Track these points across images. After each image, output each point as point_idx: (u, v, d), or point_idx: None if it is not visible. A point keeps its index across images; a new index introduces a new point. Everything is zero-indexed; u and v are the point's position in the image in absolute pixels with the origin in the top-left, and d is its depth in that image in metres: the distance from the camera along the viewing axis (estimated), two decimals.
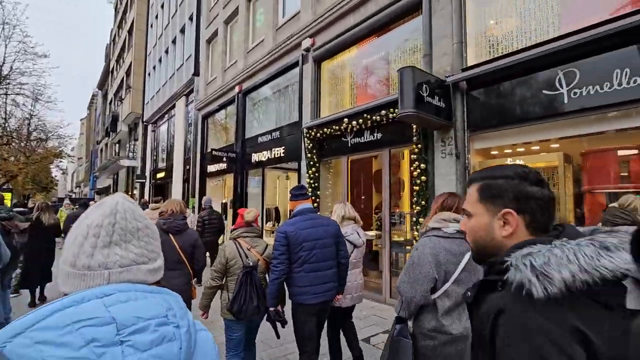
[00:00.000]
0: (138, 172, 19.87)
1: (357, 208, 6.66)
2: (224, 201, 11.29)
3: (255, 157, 9.04)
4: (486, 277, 0.85)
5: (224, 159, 9.43)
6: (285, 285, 2.71)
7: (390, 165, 5.63)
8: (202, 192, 11.70)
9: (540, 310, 0.67)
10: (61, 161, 26.01)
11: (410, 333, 1.83)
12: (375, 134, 5.71)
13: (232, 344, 2.75)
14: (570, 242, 0.72)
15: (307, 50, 7.24)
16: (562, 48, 3.57)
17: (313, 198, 6.52)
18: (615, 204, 2.43)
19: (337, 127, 6.17)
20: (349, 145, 6.18)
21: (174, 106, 15.24)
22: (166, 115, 16.63)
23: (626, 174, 3.63)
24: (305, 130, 6.88)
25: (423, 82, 4.21)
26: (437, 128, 4.66)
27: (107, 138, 28.17)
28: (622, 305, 0.70)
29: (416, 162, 4.79)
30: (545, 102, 3.78)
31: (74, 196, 43.38)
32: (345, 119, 5.93)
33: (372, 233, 6.11)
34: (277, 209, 9.89)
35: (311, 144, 6.78)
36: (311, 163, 6.74)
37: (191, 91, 13.46)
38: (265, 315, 2.73)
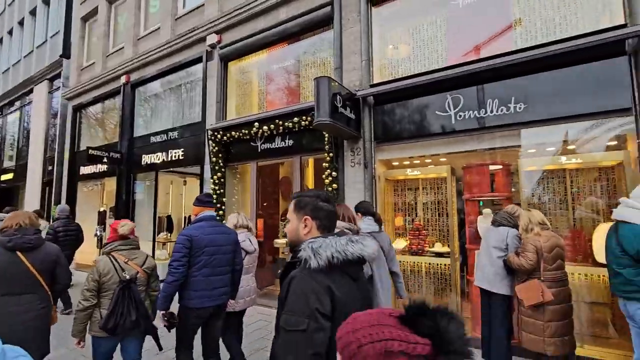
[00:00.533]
0: None
1: (263, 215, 6.54)
2: (101, 209, 9.57)
3: (146, 159, 7.95)
4: (291, 260, 1.28)
5: (105, 160, 8.00)
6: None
7: (301, 172, 5.67)
8: (72, 199, 9.69)
9: (312, 275, 1.13)
10: None
11: None
12: (286, 141, 5.67)
13: (101, 357, 2.56)
14: (336, 237, 1.20)
15: (213, 46, 6.78)
16: (448, 77, 4.20)
17: (219, 205, 6.08)
18: (504, 210, 3.02)
19: (246, 131, 5.90)
20: (259, 150, 5.98)
21: (31, 91, 12.30)
22: (18, 102, 13.31)
23: (493, 185, 4.47)
24: (210, 133, 6.37)
25: (337, 93, 4.37)
26: (347, 138, 4.90)
27: None
28: (362, 278, 1.27)
29: (328, 170, 4.93)
30: (437, 121, 4.37)
31: None
32: (256, 123, 5.73)
33: (282, 241, 6.02)
34: (169, 217, 8.89)
35: (217, 148, 6.32)
36: (216, 168, 6.27)
37: (58, 76, 11.09)
38: (145, 330, 2.62)
